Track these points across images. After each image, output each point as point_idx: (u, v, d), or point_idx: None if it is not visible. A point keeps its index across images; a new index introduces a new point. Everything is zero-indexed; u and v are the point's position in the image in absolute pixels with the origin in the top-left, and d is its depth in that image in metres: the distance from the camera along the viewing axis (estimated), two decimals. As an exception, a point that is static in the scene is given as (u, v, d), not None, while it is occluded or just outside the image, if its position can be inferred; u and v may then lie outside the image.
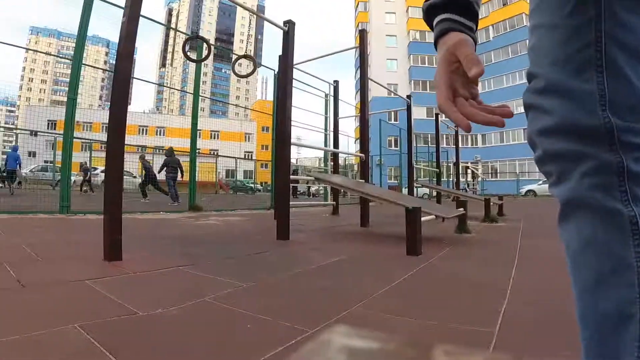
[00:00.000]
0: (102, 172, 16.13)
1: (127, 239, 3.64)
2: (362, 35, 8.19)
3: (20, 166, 16.23)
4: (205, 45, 7.31)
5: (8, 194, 12.99)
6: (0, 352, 1.47)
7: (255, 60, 7.06)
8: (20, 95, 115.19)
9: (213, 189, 24.43)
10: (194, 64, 8.87)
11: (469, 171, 29.05)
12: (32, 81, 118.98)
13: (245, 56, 7.63)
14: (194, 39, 7.60)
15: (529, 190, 36.60)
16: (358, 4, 62.52)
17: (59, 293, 2.42)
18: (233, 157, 23.84)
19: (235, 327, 1.90)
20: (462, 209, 6.32)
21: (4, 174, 15.53)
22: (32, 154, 21.80)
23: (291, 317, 2.03)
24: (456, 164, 17.97)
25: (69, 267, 3.19)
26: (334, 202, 10.84)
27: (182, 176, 13.60)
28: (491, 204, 8.88)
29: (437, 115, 15.13)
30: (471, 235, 5.99)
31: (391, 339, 0.42)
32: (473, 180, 29.37)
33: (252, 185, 34.25)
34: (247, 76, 7.63)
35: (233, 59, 7.61)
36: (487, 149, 50.92)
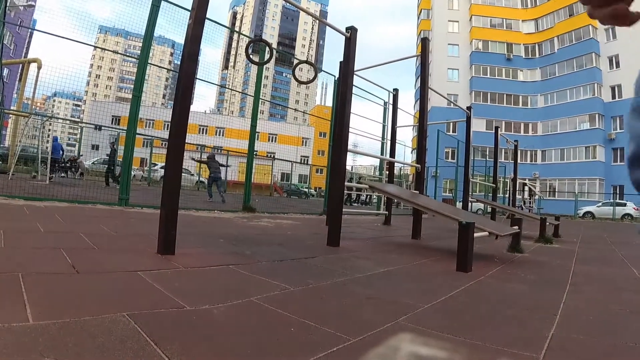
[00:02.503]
0: (161, 168, 16.74)
1: (181, 234, 3.75)
2: (424, 43, 8.12)
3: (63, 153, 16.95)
4: (267, 48, 7.45)
5: (64, 183, 13.57)
6: (50, 334, 1.55)
7: (316, 67, 7.11)
8: (87, 91, 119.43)
9: (268, 191, 24.71)
10: (256, 67, 9.02)
11: (526, 188, 28.27)
12: (99, 77, 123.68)
13: (307, 62, 7.70)
14: (257, 42, 7.74)
15: (587, 212, 35.33)
16: (421, 11, 61.55)
17: (111, 282, 2.53)
18: (289, 161, 24.02)
19: (278, 329, 1.93)
20: (516, 227, 6.17)
21: (62, 165, 16.20)
22: (95, 147, 22.65)
23: (335, 324, 2.04)
24: (513, 180, 17.48)
25: (123, 257, 3.31)
26: (387, 212, 10.78)
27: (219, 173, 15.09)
28: (547, 224, 8.61)
29: (496, 128, 14.86)
30: (524, 255, 5.85)
31: (433, 356, 0.44)
32: (530, 198, 28.49)
33: (306, 189, 34.47)
34: (307, 82, 7.72)
35: (294, 64, 7.69)
36: (547, 166, 48.98)
